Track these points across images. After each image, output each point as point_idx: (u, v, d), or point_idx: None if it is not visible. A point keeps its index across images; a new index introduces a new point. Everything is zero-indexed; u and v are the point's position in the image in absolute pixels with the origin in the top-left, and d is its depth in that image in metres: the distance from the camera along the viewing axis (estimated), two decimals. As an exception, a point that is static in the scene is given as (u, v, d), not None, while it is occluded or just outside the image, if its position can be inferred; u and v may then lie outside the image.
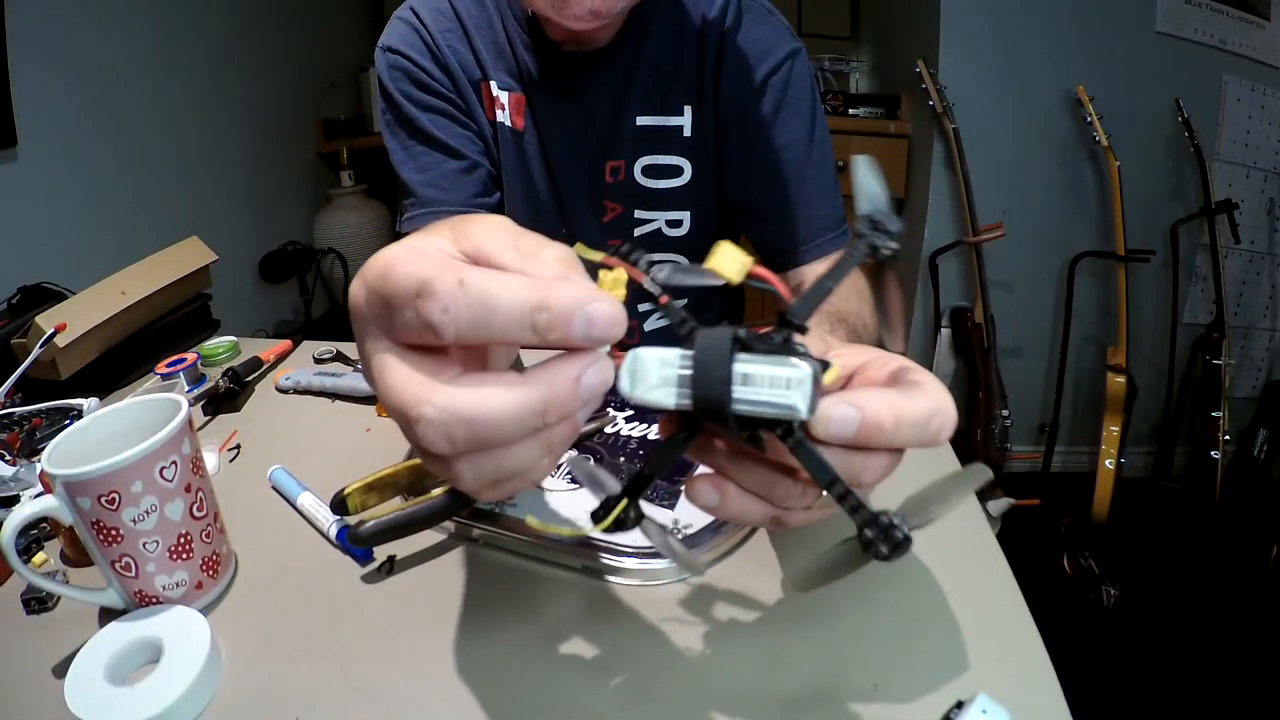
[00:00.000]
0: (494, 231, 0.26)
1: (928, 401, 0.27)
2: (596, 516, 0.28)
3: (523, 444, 0.23)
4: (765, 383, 0.23)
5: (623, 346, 0.26)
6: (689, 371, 0.24)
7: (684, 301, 0.81)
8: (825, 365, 0.25)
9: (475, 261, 0.25)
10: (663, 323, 0.82)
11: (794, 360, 0.23)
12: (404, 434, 0.24)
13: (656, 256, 0.27)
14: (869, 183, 0.26)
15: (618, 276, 0.24)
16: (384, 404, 0.25)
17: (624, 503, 0.28)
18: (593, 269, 0.27)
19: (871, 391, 0.27)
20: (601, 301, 0.22)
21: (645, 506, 0.48)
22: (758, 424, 0.24)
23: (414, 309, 0.22)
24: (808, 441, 0.25)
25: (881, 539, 0.25)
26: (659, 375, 0.24)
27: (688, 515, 0.47)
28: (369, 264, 0.25)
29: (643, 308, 0.80)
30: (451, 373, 0.24)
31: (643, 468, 0.28)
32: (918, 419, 0.26)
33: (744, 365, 0.23)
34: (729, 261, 0.25)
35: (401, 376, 0.24)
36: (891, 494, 0.30)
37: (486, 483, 0.24)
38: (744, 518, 0.30)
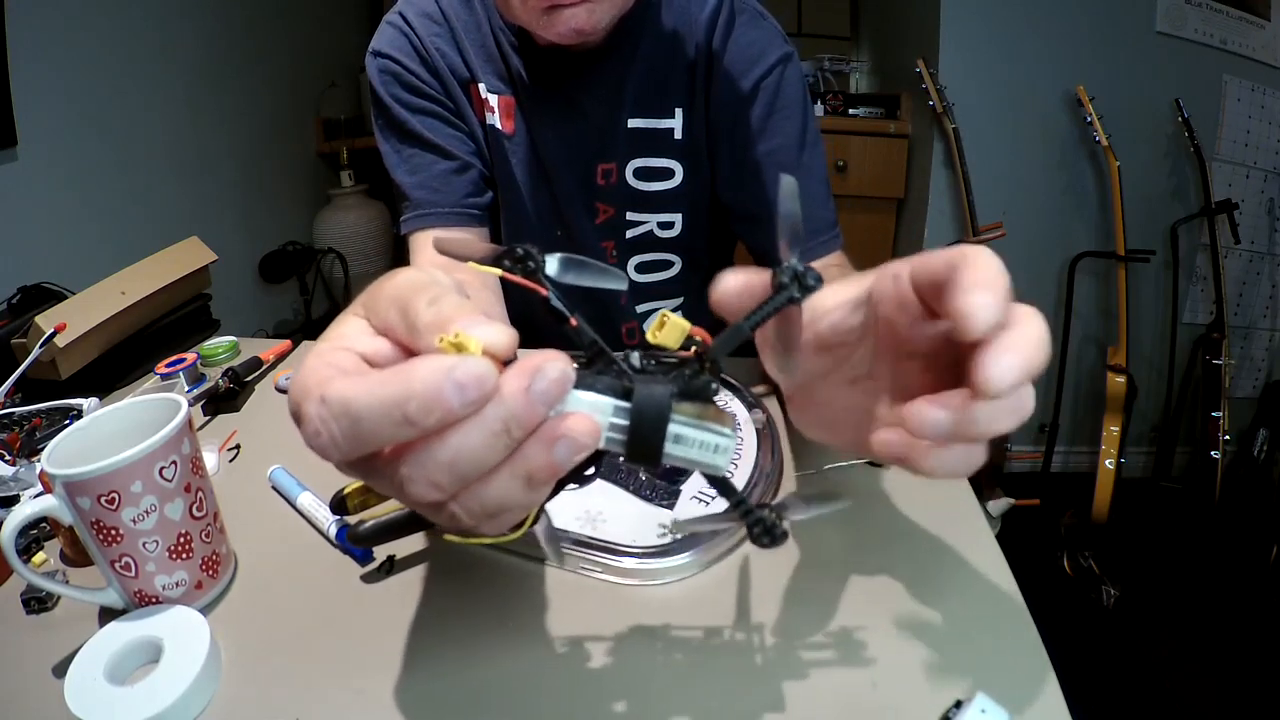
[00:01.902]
0: (392, 301, 0.25)
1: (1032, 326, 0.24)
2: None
3: (499, 477, 0.23)
4: (695, 445, 0.25)
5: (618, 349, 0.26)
6: (623, 422, 0.24)
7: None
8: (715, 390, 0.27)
9: (386, 337, 0.25)
10: None
11: (723, 430, 0.25)
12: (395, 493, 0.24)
13: (554, 258, 0.26)
14: (792, 206, 0.27)
15: (456, 340, 0.22)
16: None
17: (536, 510, 0.29)
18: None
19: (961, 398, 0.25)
20: (463, 365, 0.21)
21: (644, 506, 0.48)
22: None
23: (303, 435, 0.22)
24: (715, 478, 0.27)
25: (764, 533, 0.29)
26: (613, 422, 0.24)
27: (687, 514, 0.47)
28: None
29: (640, 308, 0.80)
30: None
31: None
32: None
33: (678, 427, 0.25)
34: (670, 334, 0.26)
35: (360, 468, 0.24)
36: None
37: (479, 519, 0.24)
38: None
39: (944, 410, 0.24)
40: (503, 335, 0.23)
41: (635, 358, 0.26)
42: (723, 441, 0.25)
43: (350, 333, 0.26)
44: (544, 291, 0.26)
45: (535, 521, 0.29)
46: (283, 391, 0.71)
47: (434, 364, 0.21)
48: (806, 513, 0.32)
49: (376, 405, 0.21)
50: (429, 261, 0.65)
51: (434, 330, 0.23)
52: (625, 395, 0.24)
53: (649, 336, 0.26)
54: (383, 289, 0.26)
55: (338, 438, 0.21)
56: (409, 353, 0.25)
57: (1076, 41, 1.72)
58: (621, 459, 0.25)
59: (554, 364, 0.22)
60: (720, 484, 0.28)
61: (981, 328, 0.23)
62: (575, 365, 0.24)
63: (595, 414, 0.24)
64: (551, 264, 0.26)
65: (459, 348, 0.22)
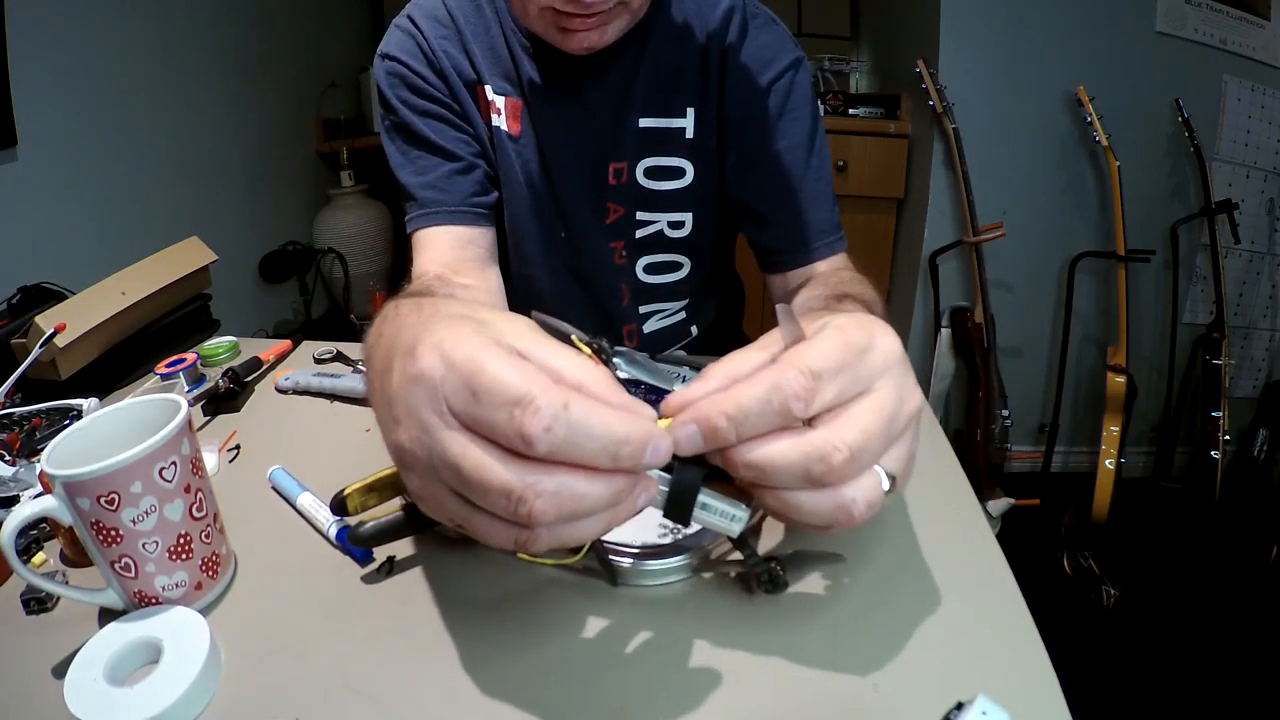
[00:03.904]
0: (527, 334, 0.30)
1: (763, 383, 0.28)
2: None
3: (598, 517, 0.28)
4: (717, 514, 0.32)
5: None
6: (665, 489, 0.31)
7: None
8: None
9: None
10: (661, 324, 0.81)
11: (740, 505, 0.32)
12: (494, 507, 0.27)
13: (621, 350, 0.36)
14: None
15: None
16: (455, 481, 0.28)
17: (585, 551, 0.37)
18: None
19: (713, 397, 0.29)
20: (663, 439, 0.28)
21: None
22: None
23: (509, 416, 0.25)
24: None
25: (769, 582, 0.40)
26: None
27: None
28: (451, 341, 0.28)
29: (643, 309, 0.80)
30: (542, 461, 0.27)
31: None
32: (751, 407, 0.28)
33: (706, 498, 0.32)
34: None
35: (495, 460, 0.27)
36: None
37: (551, 545, 0.29)
38: None
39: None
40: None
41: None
42: (738, 514, 0.32)
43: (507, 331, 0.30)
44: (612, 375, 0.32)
45: (591, 549, 0.39)
46: (283, 392, 0.71)
47: (646, 425, 0.27)
48: (807, 567, 0.41)
49: (603, 435, 0.26)
50: (432, 260, 0.66)
51: (601, 375, 0.29)
52: (668, 470, 0.31)
53: None
54: (500, 321, 0.31)
55: (559, 440, 0.26)
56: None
57: (1076, 41, 1.72)
58: (662, 514, 0.32)
59: (654, 485, 0.30)
60: (736, 540, 0.36)
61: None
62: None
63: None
64: (619, 360, 0.34)
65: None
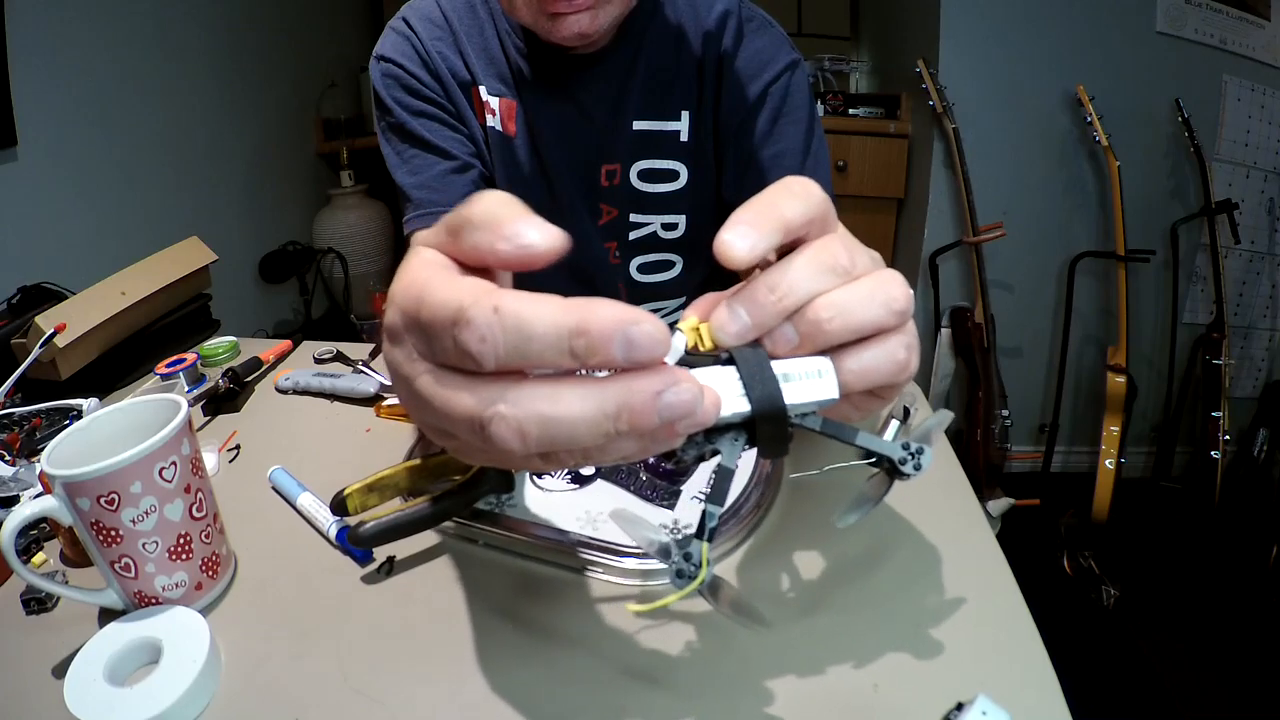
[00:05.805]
0: (494, 208, 0.26)
1: (805, 254, 0.28)
2: (683, 574, 0.29)
3: (596, 448, 0.24)
4: (801, 376, 0.27)
5: None
6: (738, 381, 0.26)
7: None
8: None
9: (453, 239, 0.26)
10: (669, 320, 0.82)
11: (812, 358, 0.27)
12: (466, 447, 0.25)
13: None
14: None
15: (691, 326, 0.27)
16: (438, 421, 0.25)
17: (706, 563, 0.29)
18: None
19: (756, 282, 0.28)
20: (642, 324, 0.22)
21: (645, 507, 0.48)
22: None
23: (451, 337, 0.23)
24: (826, 421, 0.30)
25: (909, 461, 0.32)
26: (728, 390, 0.26)
27: (687, 515, 0.47)
28: (400, 287, 0.25)
29: (647, 306, 0.80)
30: (508, 377, 0.24)
31: (704, 511, 0.29)
32: (799, 274, 0.27)
33: (782, 366, 0.27)
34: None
35: (456, 388, 0.24)
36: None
37: (545, 463, 0.25)
38: None
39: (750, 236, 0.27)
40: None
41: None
42: (823, 365, 0.27)
43: (435, 254, 0.27)
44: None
45: (705, 580, 0.30)
46: (283, 392, 0.71)
47: (615, 310, 0.22)
48: (929, 441, 0.33)
49: (550, 329, 0.22)
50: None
51: (483, 225, 0.25)
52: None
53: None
54: (462, 209, 0.27)
55: (501, 348, 0.22)
56: (461, 265, 0.26)
57: (1076, 41, 1.72)
58: (743, 436, 0.27)
59: (689, 385, 0.23)
60: (849, 434, 0.30)
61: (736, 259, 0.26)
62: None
63: (726, 380, 0.26)
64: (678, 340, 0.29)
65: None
